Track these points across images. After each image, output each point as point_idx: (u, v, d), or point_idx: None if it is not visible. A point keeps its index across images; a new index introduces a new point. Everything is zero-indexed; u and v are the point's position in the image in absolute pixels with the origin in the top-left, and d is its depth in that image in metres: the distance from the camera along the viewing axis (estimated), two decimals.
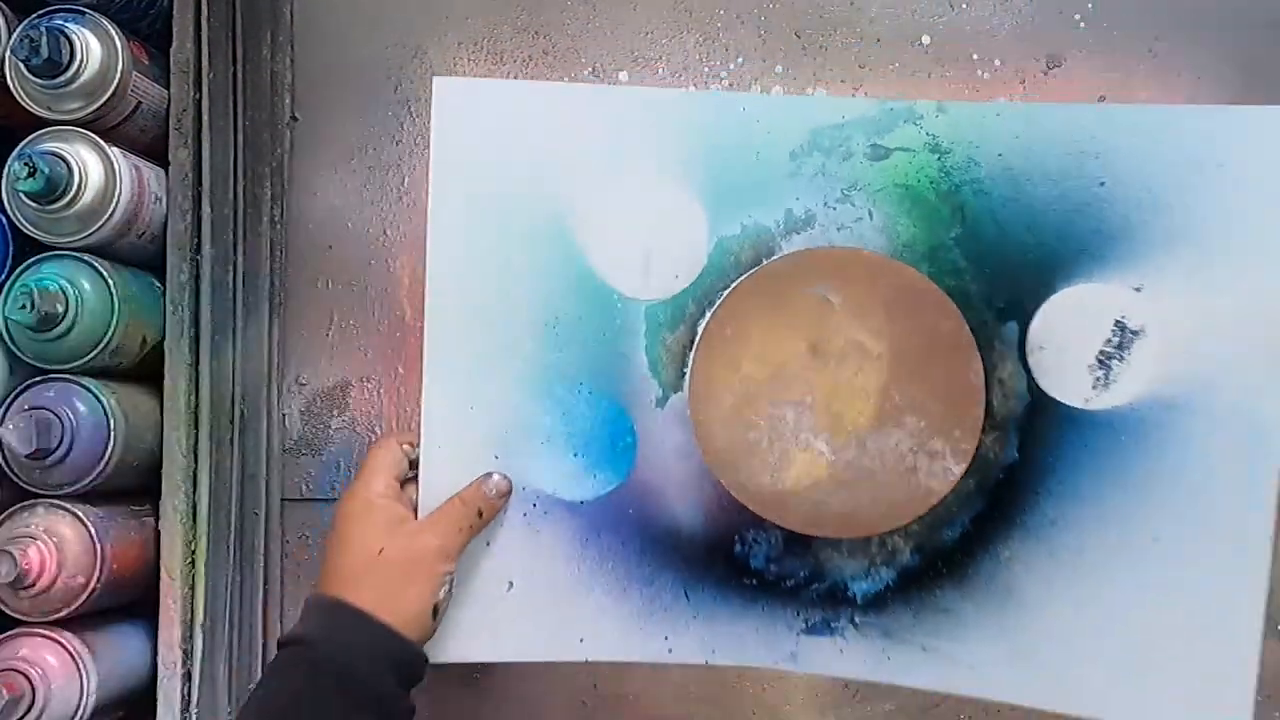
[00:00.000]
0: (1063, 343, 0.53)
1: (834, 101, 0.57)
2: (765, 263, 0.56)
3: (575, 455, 0.56)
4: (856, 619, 0.56)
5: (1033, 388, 0.53)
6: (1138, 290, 0.52)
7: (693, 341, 0.56)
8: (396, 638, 0.50)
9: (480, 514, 0.55)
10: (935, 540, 0.55)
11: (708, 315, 0.56)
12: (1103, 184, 0.52)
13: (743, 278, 0.56)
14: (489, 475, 0.56)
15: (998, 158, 0.53)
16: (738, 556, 0.56)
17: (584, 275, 0.56)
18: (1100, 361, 0.52)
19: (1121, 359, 0.52)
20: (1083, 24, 0.67)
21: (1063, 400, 0.53)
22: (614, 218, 0.56)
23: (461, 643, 0.56)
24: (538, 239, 0.56)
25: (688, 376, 0.56)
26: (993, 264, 0.53)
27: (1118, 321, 0.52)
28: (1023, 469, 0.53)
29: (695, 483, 0.56)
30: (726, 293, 0.56)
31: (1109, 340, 0.52)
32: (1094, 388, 0.52)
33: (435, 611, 0.53)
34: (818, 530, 0.55)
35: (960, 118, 0.54)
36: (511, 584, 0.56)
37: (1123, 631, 0.52)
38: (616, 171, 0.56)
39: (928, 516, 0.54)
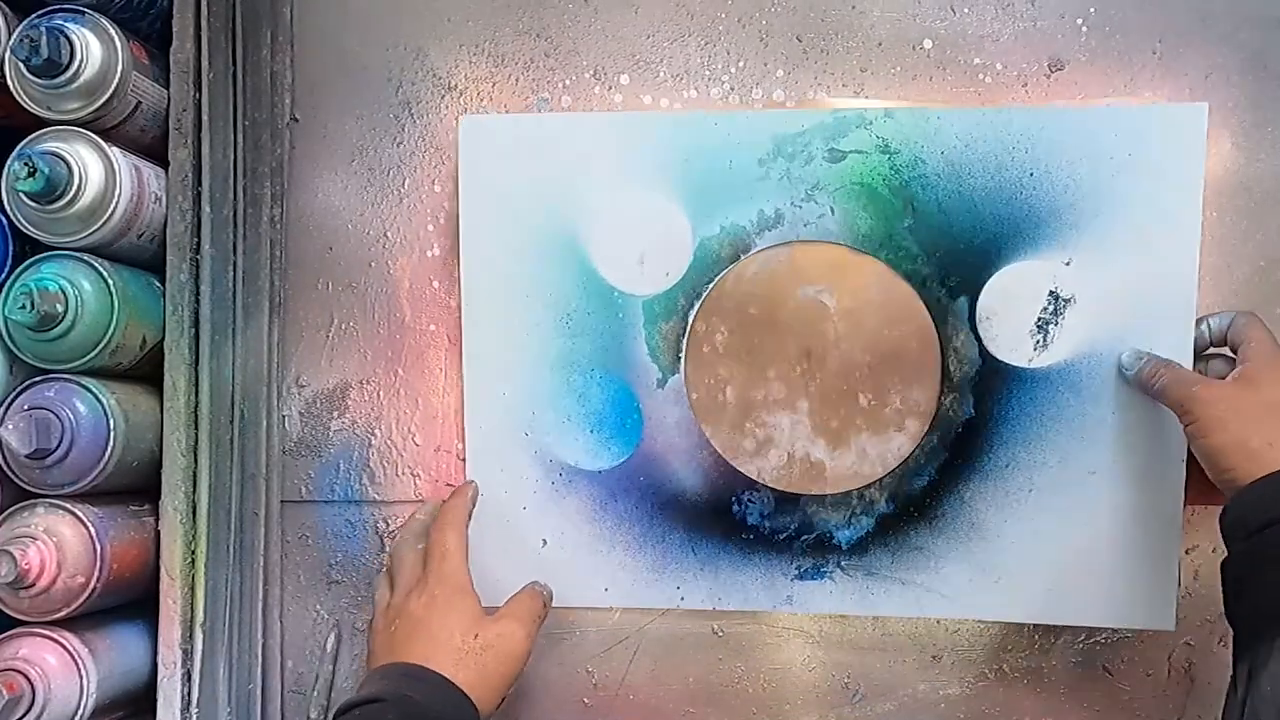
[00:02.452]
0: (1006, 311, 0.62)
1: (793, 113, 0.64)
2: (743, 259, 0.64)
3: (591, 431, 0.65)
4: (842, 563, 0.64)
5: (983, 353, 0.62)
6: (1067, 264, 0.61)
7: (685, 330, 0.64)
8: (475, 715, 0.55)
9: (544, 610, 0.62)
10: (906, 489, 0.64)
11: (695, 311, 0.64)
12: (1032, 174, 0.61)
13: (726, 274, 0.64)
14: (540, 585, 0.64)
15: (940, 155, 0.62)
16: (735, 515, 0.65)
17: (590, 276, 0.65)
18: (1039, 327, 0.62)
19: (1056, 323, 0.61)
20: (1085, 27, 0.67)
21: (1009, 362, 0.62)
22: (613, 225, 0.65)
23: (508, 593, 0.63)
24: (551, 247, 0.65)
25: (685, 386, 0.65)
26: (942, 248, 0.62)
27: (1052, 292, 0.61)
28: (978, 422, 0.63)
29: (695, 452, 0.65)
30: (711, 287, 0.64)
31: (1045, 308, 0.61)
32: (1035, 349, 0.62)
33: (501, 702, 0.58)
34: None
35: (906, 122, 0.62)
36: (545, 541, 0.66)
37: (1068, 551, 0.62)
38: (614, 186, 0.64)
39: (898, 469, 0.63)
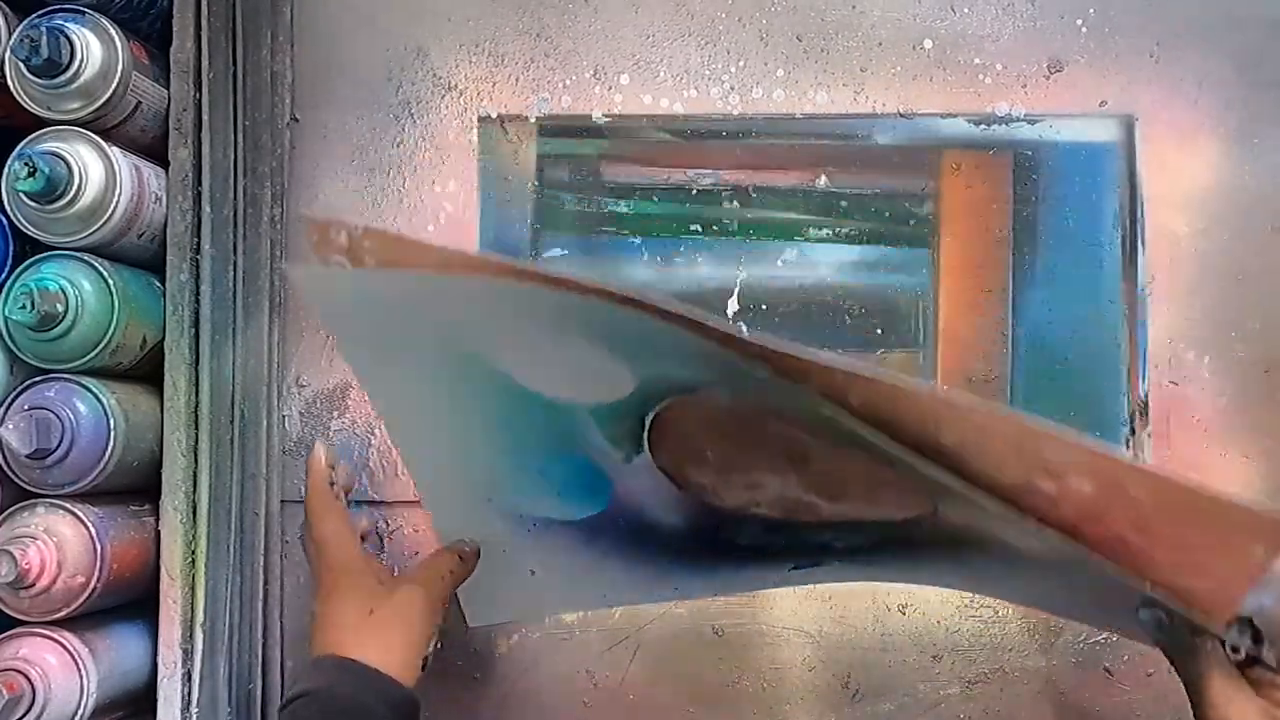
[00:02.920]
0: None
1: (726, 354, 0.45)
2: (700, 391, 0.50)
3: (557, 494, 0.59)
4: (840, 561, 0.59)
5: None
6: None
7: (643, 425, 0.53)
8: (397, 688, 0.54)
9: (461, 559, 0.59)
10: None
11: (652, 417, 0.52)
12: None
13: (681, 400, 0.51)
14: (463, 541, 0.60)
15: None
16: (722, 538, 0.59)
17: (517, 393, 0.52)
18: None
19: None
20: (1084, 28, 0.67)
21: None
22: (532, 363, 0.51)
23: (500, 609, 0.62)
24: (462, 382, 0.53)
25: (655, 464, 0.54)
26: None
27: None
28: None
29: (673, 504, 0.57)
30: (663, 410, 0.52)
31: None
32: None
33: (425, 664, 0.57)
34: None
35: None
36: (534, 572, 0.61)
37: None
38: (518, 340, 0.50)
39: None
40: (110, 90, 0.60)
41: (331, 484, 0.59)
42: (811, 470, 0.53)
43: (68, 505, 0.59)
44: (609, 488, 0.58)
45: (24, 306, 0.57)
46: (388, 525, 0.68)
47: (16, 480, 0.59)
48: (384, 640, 0.55)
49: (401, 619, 0.56)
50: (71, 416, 0.59)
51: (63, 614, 0.58)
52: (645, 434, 0.53)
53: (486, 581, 0.61)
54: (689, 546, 0.60)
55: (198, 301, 0.65)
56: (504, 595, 0.61)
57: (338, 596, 0.57)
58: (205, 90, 0.65)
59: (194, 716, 0.63)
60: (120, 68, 0.60)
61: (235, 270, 0.65)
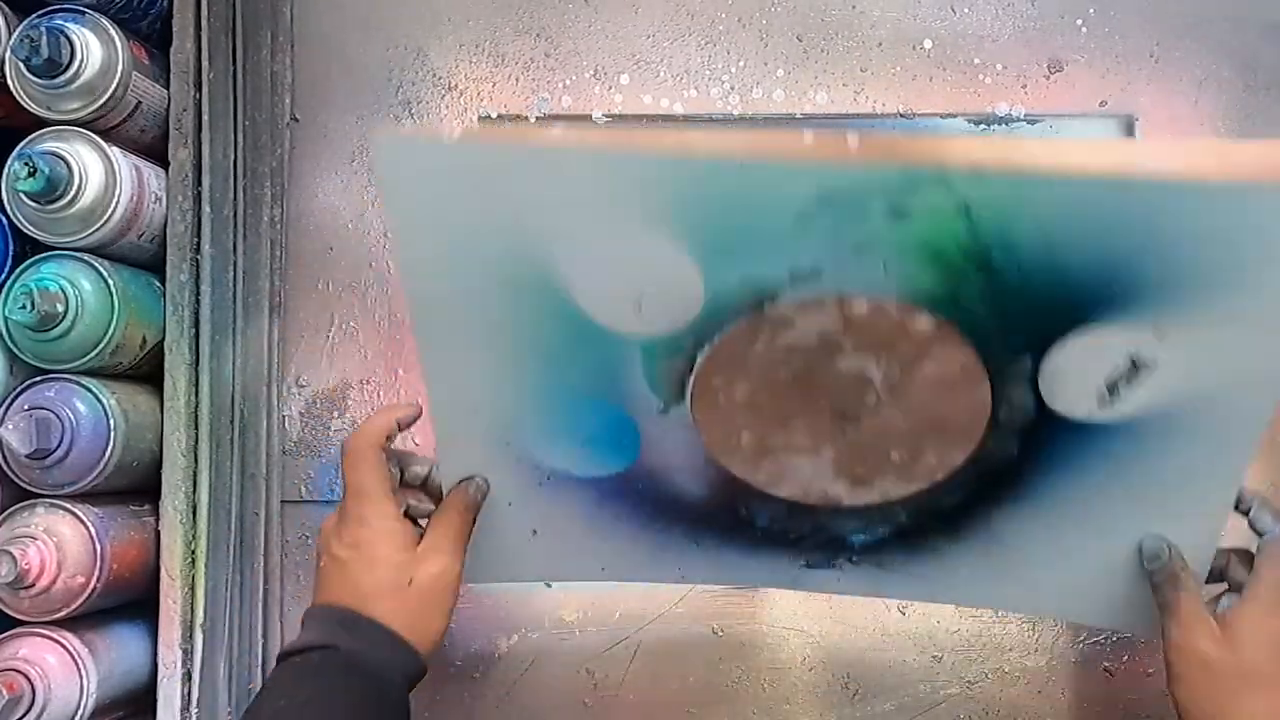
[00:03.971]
0: (1076, 374, 0.53)
1: (847, 169, 0.49)
2: (776, 315, 0.52)
3: (581, 446, 0.57)
4: (854, 558, 0.60)
5: (1040, 407, 0.55)
6: (1154, 332, 0.52)
7: (691, 369, 0.54)
8: (418, 660, 0.53)
9: (473, 519, 0.57)
10: (932, 507, 0.58)
11: (705, 354, 0.53)
12: (1145, 247, 0.51)
13: (752, 330, 0.52)
14: (470, 479, 0.57)
15: (1035, 224, 0.50)
16: (741, 517, 0.59)
17: (570, 317, 0.52)
18: (1109, 389, 0.54)
19: (1130, 386, 0.54)
20: (1084, 28, 0.67)
21: (1066, 415, 0.54)
22: (599, 268, 0.51)
23: (494, 567, 0.60)
24: (520, 291, 0.52)
25: (692, 419, 0.55)
26: (1016, 308, 0.52)
27: (1131, 357, 0.53)
28: (1021, 461, 0.56)
29: (700, 470, 0.58)
30: (730, 337, 0.53)
31: (1120, 371, 0.54)
32: (1099, 407, 0.54)
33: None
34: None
35: (998, 186, 0.49)
36: (535, 531, 0.60)
37: (1091, 562, 0.57)
38: (599, 234, 0.50)
39: (927, 490, 0.57)
40: (110, 90, 0.60)
41: (388, 439, 0.56)
42: (862, 431, 0.54)
43: (68, 505, 0.59)
44: (636, 446, 0.56)
45: (24, 306, 0.57)
46: None
47: (16, 480, 0.59)
48: (418, 614, 0.54)
49: (437, 595, 0.54)
50: (71, 416, 0.59)
51: (63, 614, 0.58)
52: (691, 378, 0.53)
53: (484, 539, 0.58)
54: (703, 524, 0.59)
55: (198, 301, 0.65)
56: (500, 554, 0.59)
57: (375, 557, 0.54)
58: (205, 90, 0.65)
59: (194, 716, 0.63)
60: (120, 68, 0.60)
61: (235, 270, 0.65)
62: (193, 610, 0.64)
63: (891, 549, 0.59)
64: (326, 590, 0.54)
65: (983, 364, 0.53)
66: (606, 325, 0.52)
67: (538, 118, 0.69)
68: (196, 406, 0.65)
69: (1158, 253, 0.51)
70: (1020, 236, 0.50)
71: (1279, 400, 0.53)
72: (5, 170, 0.59)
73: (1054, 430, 0.55)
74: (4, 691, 0.54)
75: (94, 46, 0.60)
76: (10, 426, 0.58)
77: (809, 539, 0.60)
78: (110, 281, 0.60)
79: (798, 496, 0.57)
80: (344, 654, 0.51)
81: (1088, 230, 0.50)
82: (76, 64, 0.59)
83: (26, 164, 0.57)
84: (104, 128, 0.61)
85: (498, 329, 0.53)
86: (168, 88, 0.64)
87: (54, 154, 0.58)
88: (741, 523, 0.59)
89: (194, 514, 0.64)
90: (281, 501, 0.67)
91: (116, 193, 0.60)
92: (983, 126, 0.68)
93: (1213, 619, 0.52)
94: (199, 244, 0.65)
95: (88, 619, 0.61)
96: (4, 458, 0.59)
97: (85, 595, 0.59)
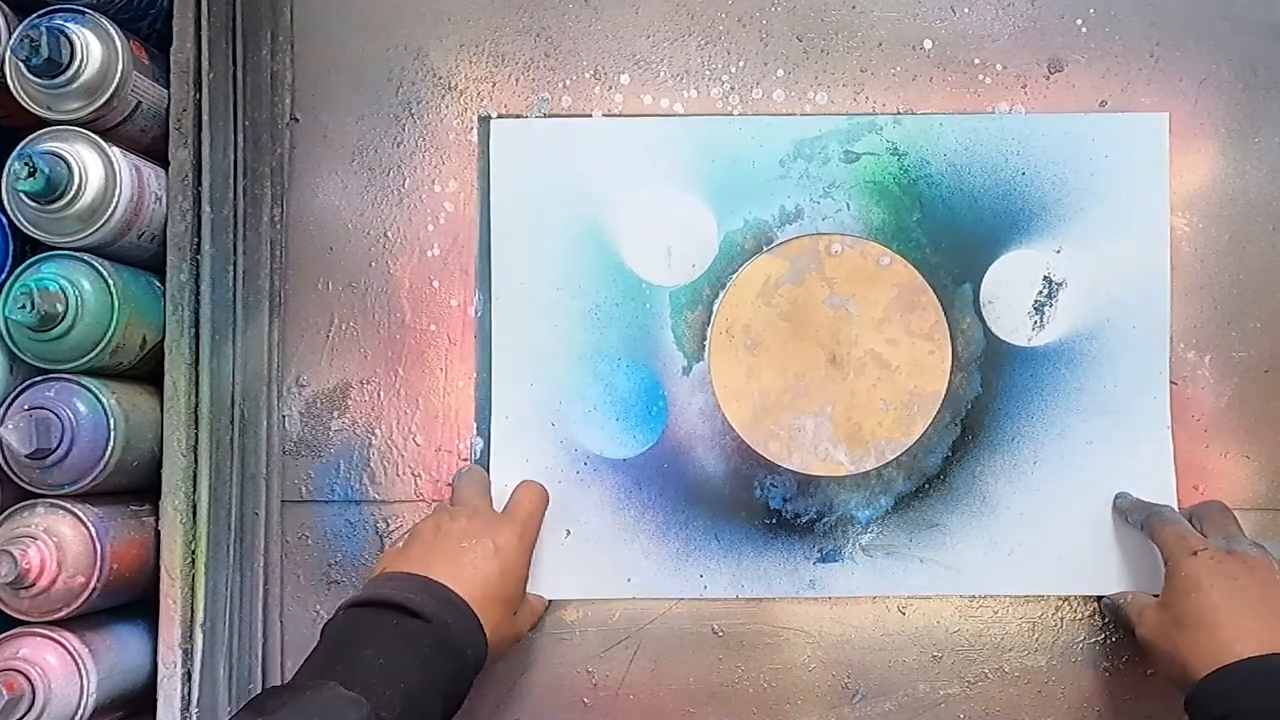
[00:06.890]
0: (1006, 296, 0.68)
1: (811, 119, 0.68)
2: (766, 249, 0.68)
3: (617, 419, 0.68)
4: (862, 542, 0.67)
5: (987, 334, 0.68)
6: (1058, 252, 0.67)
7: (710, 318, 0.68)
8: (486, 653, 0.58)
9: (539, 521, 0.65)
10: (922, 466, 0.67)
11: (720, 300, 0.68)
12: (1024, 174, 0.67)
13: (753, 276, 0.68)
14: (534, 484, 0.66)
15: (943, 157, 0.67)
16: (757, 499, 0.67)
17: (619, 269, 0.68)
18: (1035, 309, 0.67)
19: (1051, 305, 0.67)
20: (1084, 29, 0.67)
21: (1011, 341, 0.67)
22: (642, 221, 0.68)
23: (531, 583, 0.65)
24: (581, 243, 0.68)
25: (709, 373, 0.68)
26: (948, 239, 0.68)
27: (1045, 277, 0.67)
28: (985, 400, 0.67)
29: (718, 438, 0.68)
30: (737, 282, 0.68)
31: (1040, 291, 0.67)
32: (1033, 329, 0.67)
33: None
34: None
35: (912, 128, 0.68)
36: (569, 531, 0.67)
37: (1073, 521, 0.66)
38: (642, 185, 0.68)
39: (915, 446, 0.67)
40: (110, 90, 0.60)
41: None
42: (850, 374, 0.68)
43: (68, 505, 0.59)
44: (663, 415, 0.68)
45: (24, 306, 0.57)
46: (388, 525, 0.68)
47: (16, 480, 0.59)
48: (507, 635, 0.61)
49: (520, 626, 0.63)
50: (71, 416, 0.59)
51: (63, 614, 0.58)
52: (709, 330, 0.68)
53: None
54: (722, 515, 0.67)
55: (198, 301, 0.65)
56: (536, 565, 0.65)
57: (509, 571, 0.60)
58: (205, 90, 0.65)
59: (194, 716, 0.63)
60: (120, 68, 0.60)
61: (235, 270, 0.66)
62: (193, 610, 0.64)
63: (895, 529, 0.67)
64: (437, 566, 0.58)
65: (935, 294, 0.67)
66: (644, 277, 0.68)
67: (538, 118, 0.69)
68: (196, 406, 0.65)
69: (1040, 178, 0.67)
70: (936, 170, 0.67)
71: (1167, 308, 0.66)
72: (5, 170, 0.59)
73: (1005, 362, 0.67)
74: (4, 691, 0.54)
75: (94, 46, 0.60)
76: (10, 426, 0.58)
77: (818, 522, 0.67)
78: (110, 281, 0.60)
79: (805, 467, 0.67)
80: (442, 630, 0.55)
81: (985, 163, 0.67)
82: (76, 64, 0.59)
83: (26, 164, 0.57)
84: (104, 128, 0.61)
85: (560, 290, 0.68)
86: (168, 88, 0.64)
87: (54, 154, 0.58)
88: (757, 508, 0.67)
89: (194, 514, 0.64)
90: (281, 501, 0.67)
91: (116, 193, 0.60)
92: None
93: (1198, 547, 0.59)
94: (199, 244, 0.65)
95: (88, 619, 0.61)
96: (4, 458, 0.59)
97: (85, 595, 0.59)
